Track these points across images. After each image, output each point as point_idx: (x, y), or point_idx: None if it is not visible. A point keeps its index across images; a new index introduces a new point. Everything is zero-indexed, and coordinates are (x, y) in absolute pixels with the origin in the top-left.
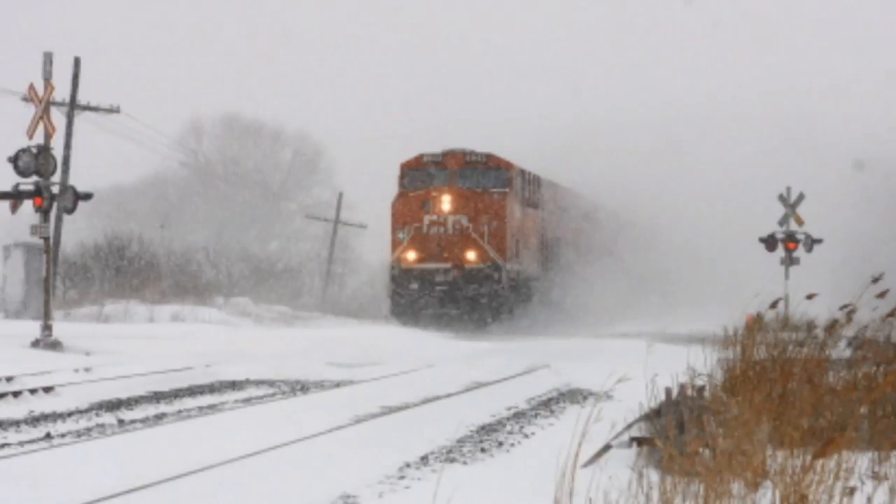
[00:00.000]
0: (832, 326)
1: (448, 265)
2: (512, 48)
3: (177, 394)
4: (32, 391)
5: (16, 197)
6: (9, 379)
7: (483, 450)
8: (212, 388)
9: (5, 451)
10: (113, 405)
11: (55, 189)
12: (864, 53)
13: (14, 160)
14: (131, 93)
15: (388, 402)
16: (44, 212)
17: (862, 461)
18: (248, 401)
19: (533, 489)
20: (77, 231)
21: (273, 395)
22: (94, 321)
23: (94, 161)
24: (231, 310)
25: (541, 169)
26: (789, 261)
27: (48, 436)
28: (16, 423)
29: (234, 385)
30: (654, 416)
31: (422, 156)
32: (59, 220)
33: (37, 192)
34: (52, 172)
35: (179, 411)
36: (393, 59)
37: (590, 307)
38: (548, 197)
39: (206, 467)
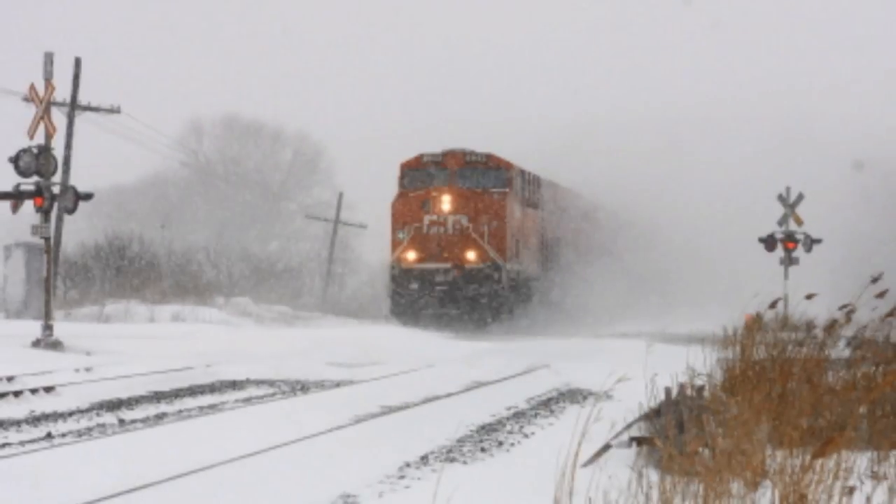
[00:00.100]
0: (831, 326)
1: (448, 265)
2: (512, 48)
3: (177, 393)
4: (33, 391)
5: (17, 197)
6: (10, 379)
7: (483, 449)
8: (212, 388)
9: (6, 451)
10: (114, 405)
11: (56, 189)
12: (864, 53)
13: (15, 160)
14: (131, 93)
15: (388, 402)
16: (45, 212)
17: (861, 461)
18: (248, 400)
19: (533, 489)
20: (78, 231)
21: (273, 394)
22: (95, 321)
23: (94, 161)
24: (231, 310)
25: (541, 169)
26: (788, 261)
27: (49, 435)
28: (17, 423)
29: (234, 385)
30: (653, 415)
31: (422, 156)
32: (59, 220)
33: (38, 193)
34: (53, 172)
35: (180, 411)
36: (393, 59)
37: (589, 307)
38: (548, 197)
39: (207, 467)
